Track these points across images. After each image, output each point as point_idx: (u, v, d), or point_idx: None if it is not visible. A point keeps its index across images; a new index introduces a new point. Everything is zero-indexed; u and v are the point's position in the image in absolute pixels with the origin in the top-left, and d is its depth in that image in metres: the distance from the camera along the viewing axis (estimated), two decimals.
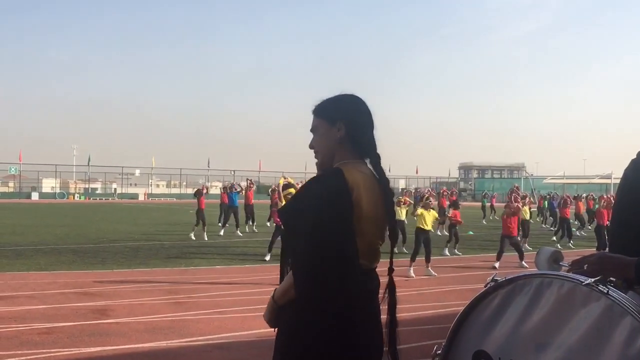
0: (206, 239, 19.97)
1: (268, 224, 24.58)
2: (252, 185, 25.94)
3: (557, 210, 23.36)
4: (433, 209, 14.85)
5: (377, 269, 2.58)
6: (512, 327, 1.94)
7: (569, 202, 22.86)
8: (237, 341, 7.18)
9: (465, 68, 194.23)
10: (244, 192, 25.18)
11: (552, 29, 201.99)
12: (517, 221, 15.51)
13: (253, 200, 24.92)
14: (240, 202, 24.20)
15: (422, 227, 13.47)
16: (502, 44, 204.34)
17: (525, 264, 14.36)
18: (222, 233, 21.77)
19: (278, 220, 15.37)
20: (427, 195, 15.36)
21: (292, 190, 12.45)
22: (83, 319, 8.10)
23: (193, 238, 19.75)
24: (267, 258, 14.74)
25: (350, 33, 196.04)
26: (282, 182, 12.70)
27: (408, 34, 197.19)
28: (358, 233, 2.41)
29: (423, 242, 13.27)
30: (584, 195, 29.34)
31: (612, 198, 23.21)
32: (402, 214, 17.97)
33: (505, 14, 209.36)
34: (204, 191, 21.70)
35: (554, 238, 22.27)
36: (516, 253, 14.94)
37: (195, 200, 21.24)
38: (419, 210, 13.82)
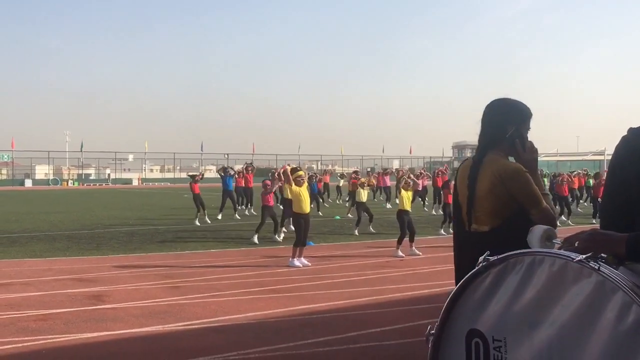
0: (209, 222, 20.05)
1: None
2: (251, 169, 25.78)
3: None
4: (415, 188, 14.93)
5: None
6: (505, 306, 1.95)
7: (565, 180, 22.80)
8: (234, 324, 7.19)
9: (458, 47, 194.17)
10: (237, 175, 24.96)
11: (546, 8, 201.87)
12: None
13: (253, 184, 24.87)
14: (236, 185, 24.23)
15: (403, 208, 13.52)
16: (496, 23, 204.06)
17: None
18: (219, 217, 21.75)
19: (270, 202, 15.47)
20: (403, 177, 15.32)
21: (301, 173, 12.54)
22: (79, 305, 8.10)
23: (198, 224, 19.65)
24: (256, 240, 14.82)
25: (343, 14, 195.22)
26: (289, 168, 12.88)
27: (401, 14, 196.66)
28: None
29: (407, 224, 13.29)
30: (577, 171, 29.39)
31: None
32: (363, 195, 18.13)
33: None
34: (199, 177, 21.58)
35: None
36: None
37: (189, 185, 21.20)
38: (401, 192, 13.88)
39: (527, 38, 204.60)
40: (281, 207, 18.49)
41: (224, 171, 23.69)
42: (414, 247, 13.19)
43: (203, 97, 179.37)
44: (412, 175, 14.66)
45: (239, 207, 24.16)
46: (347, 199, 28.99)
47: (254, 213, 23.16)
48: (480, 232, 3.40)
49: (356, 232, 17.16)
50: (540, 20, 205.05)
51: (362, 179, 19.83)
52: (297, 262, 11.29)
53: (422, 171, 34.21)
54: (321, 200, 28.50)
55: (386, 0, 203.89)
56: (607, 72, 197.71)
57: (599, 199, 20.81)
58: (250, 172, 25.20)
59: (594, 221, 20.66)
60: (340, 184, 33.51)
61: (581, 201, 28.48)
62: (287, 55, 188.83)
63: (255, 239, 14.84)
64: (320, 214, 23.91)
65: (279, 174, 15.04)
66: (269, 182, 16.06)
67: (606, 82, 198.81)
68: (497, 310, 1.98)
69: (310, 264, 11.40)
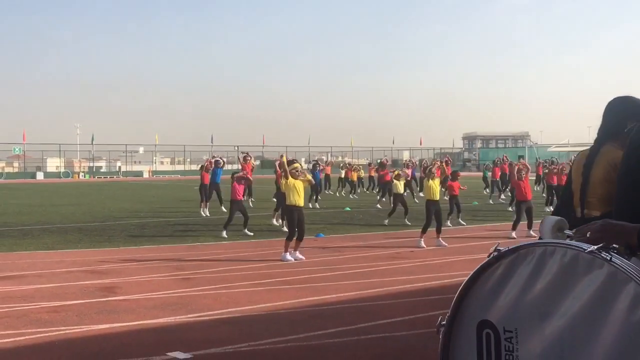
0: (207, 214, 20.04)
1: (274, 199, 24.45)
2: (249, 159, 25.09)
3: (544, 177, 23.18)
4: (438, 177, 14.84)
5: None
6: (516, 297, 1.95)
7: (556, 170, 22.80)
8: (245, 315, 7.22)
9: (469, 36, 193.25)
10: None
11: None
12: (528, 186, 15.33)
13: (252, 175, 24.44)
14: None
15: (431, 198, 13.42)
16: (507, 11, 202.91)
17: (532, 233, 14.37)
18: (208, 211, 21.52)
19: (240, 195, 15.35)
20: (429, 167, 15.19)
21: (297, 165, 12.39)
22: (91, 297, 8.15)
23: (206, 214, 19.76)
24: (225, 235, 14.65)
25: (352, 2, 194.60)
26: (284, 159, 12.68)
27: (411, 2, 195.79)
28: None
29: (434, 214, 13.19)
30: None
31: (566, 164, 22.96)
32: (400, 187, 18.00)
33: None
34: (209, 166, 21.40)
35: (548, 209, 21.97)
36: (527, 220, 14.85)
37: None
38: (426, 182, 13.87)
39: (539, 26, 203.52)
40: (274, 199, 18.52)
41: (215, 163, 23.46)
42: (440, 239, 13.16)
43: (213, 89, 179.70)
44: (437, 163, 14.68)
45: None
46: (377, 190, 28.88)
47: (251, 205, 23.17)
48: (592, 217, 3.47)
49: (386, 222, 17.16)
50: (552, 7, 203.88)
51: (397, 171, 19.69)
52: (289, 257, 11.12)
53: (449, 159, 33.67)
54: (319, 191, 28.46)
55: None
56: (618, 61, 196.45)
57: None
58: (247, 161, 24.45)
59: None
60: (342, 175, 33.21)
61: None
62: (297, 46, 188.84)
63: (225, 234, 14.65)
64: (317, 205, 23.84)
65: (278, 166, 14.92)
66: (242, 175, 16.04)
67: (617, 71, 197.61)
68: (508, 301, 1.98)
69: (304, 258, 11.24)
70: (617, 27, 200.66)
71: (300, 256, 11.31)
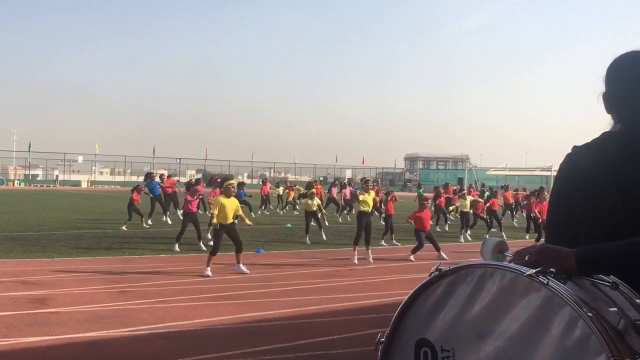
0: (146, 226, 19.76)
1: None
2: (164, 177, 25.81)
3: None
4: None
5: None
6: (454, 316, 1.96)
7: (497, 195, 23.81)
8: (181, 330, 7.11)
9: (414, 60, 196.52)
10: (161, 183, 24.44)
11: (502, 23, 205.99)
12: (428, 217, 15.57)
13: (176, 189, 24.64)
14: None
15: (363, 209, 13.68)
16: (452, 37, 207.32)
17: (443, 254, 14.52)
18: (150, 222, 21.30)
19: (192, 208, 15.34)
20: (365, 179, 15.49)
21: (232, 182, 12.46)
22: (21, 308, 7.90)
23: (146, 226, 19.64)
24: (177, 248, 14.66)
25: (297, 20, 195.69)
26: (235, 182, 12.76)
27: (356, 23, 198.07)
28: None
29: (364, 226, 13.44)
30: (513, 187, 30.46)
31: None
32: (311, 205, 18.36)
33: (457, 7, 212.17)
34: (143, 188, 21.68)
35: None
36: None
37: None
38: (361, 196, 14.11)
39: (482, 52, 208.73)
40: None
41: (148, 178, 23.76)
42: (369, 252, 13.42)
43: (156, 99, 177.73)
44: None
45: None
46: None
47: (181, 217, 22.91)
48: None
49: (307, 241, 17.17)
50: (494, 36, 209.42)
51: (312, 190, 19.89)
52: (208, 272, 10.94)
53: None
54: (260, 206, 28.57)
55: (343, 8, 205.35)
56: (554, 89, 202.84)
57: (532, 215, 20.95)
58: (168, 177, 25.83)
59: (527, 237, 20.73)
60: (281, 192, 32.85)
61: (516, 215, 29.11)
62: (241, 62, 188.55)
63: (177, 247, 14.70)
64: (252, 215, 23.83)
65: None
66: (199, 188, 16.15)
67: (554, 99, 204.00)
68: (446, 320, 1.99)
69: (211, 275, 10.93)
70: (554, 55, 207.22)
71: (245, 269, 11.33)
